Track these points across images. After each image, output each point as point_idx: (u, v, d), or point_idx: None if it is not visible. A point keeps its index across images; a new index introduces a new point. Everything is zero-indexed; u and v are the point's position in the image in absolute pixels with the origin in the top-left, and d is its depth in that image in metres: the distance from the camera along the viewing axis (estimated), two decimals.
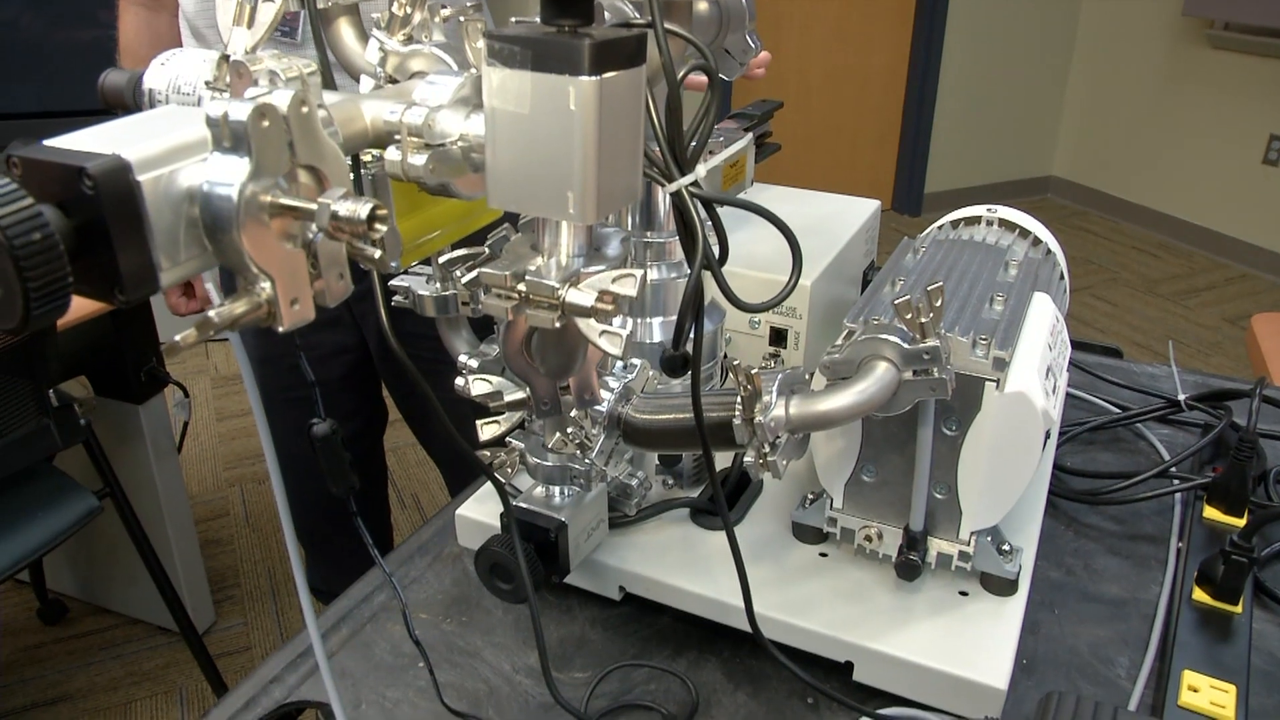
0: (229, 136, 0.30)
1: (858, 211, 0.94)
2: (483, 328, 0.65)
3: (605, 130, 0.35)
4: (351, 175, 0.41)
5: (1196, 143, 4.24)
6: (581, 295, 0.36)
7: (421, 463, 2.56)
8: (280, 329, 0.31)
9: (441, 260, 0.55)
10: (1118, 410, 1.01)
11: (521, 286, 0.37)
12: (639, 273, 0.36)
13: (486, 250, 0.53)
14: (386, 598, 0.74)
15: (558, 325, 0.36)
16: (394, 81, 0.46)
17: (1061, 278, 0.84)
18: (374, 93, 0.41)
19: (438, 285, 0.62)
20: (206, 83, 0.41)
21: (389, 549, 0.80)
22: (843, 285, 0.89)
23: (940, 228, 0.87)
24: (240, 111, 0.29)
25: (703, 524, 0.74)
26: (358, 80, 0.49)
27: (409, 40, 0.45)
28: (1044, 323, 0.69)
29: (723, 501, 0.56)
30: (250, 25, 0.41)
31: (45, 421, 1.48)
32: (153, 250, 0.31)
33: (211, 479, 2.53)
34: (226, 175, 0.30)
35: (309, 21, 0.50)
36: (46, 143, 0.32)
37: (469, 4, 0.53)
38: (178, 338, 0.30)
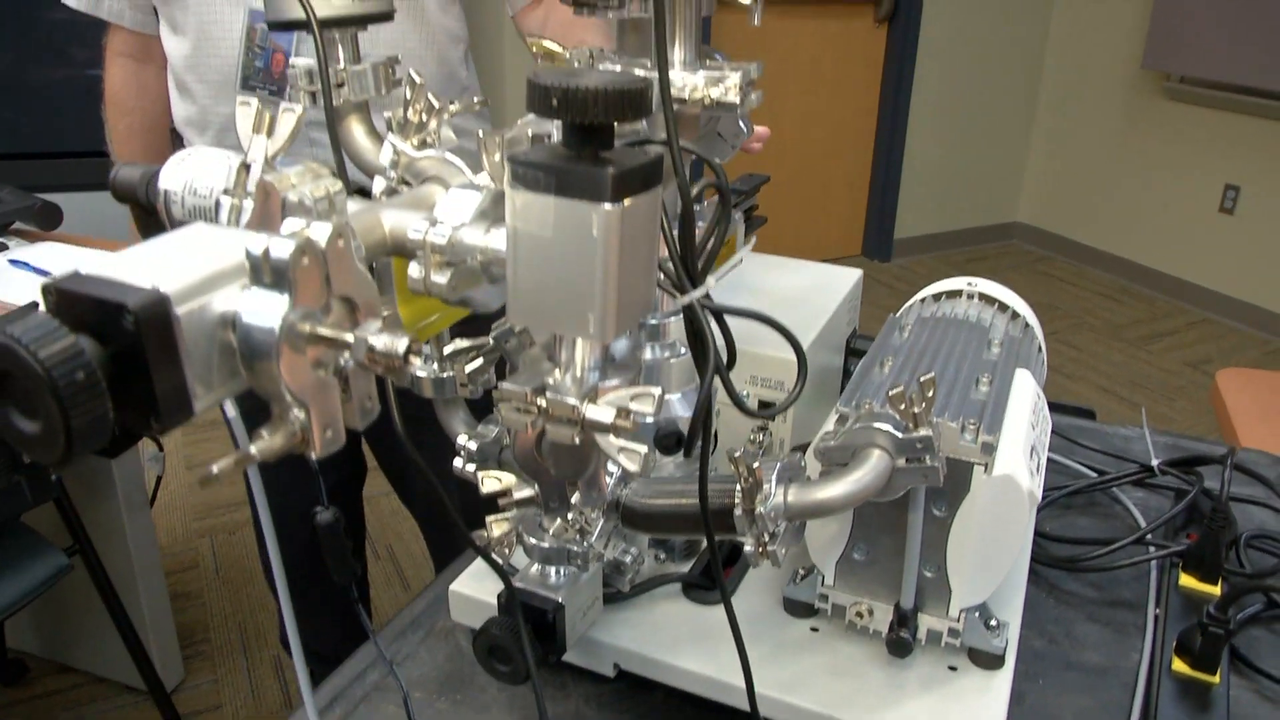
0: (269, 273, 0.30)
1: (841, 282, 0.95)
2: (481, 408, 0.65)
3: (625, 252, 0.36)
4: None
5: (1156, 191, 4.35)
6: (601, 412, 0.37)
7: (395, 512, 2.54)
8: (314, 456, 0.32)
9: (446, 352, 0.56)
10: (1093, 474, 1.03)
11: (541, 402, 0.38)
12: (657, 391, 0.37)
13: (491, 342, 0.54)
14: (380, 675, 0.73)
15: (577, 441, 0.37)
16: (406, 183, 0.47)
17: (1039, 350, 0.87)
18: (392, 202, 0.42)
19: (434, 366, 0.63)
20: (225, 190, 0.42)
21: (367, 604, 0.79)
22: (828, 354, 0.91)
23: (922, 301, 0.89)
24: (282, 249, 0.30)
25: (695, 598, 0.74)
26: (371, 179, 0.50)
27: (422, 145, 0.46)
28: (1027, 401, 0.71)
29: (725, 588, 0.57)
30: (270, 134, 0.42)
31: (16, 478, 1.46)
32: (188, 379, 0.31)
33: (181, 529, 2.49)
34: (267, 310, 0.30)
35: (326, 120, 0.51)
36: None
37: (475, 100, 0.55)
38: (215, 469, 0.30)
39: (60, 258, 1.76)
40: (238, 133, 0.42)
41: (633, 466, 0.37)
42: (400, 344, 0.31)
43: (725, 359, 0.46)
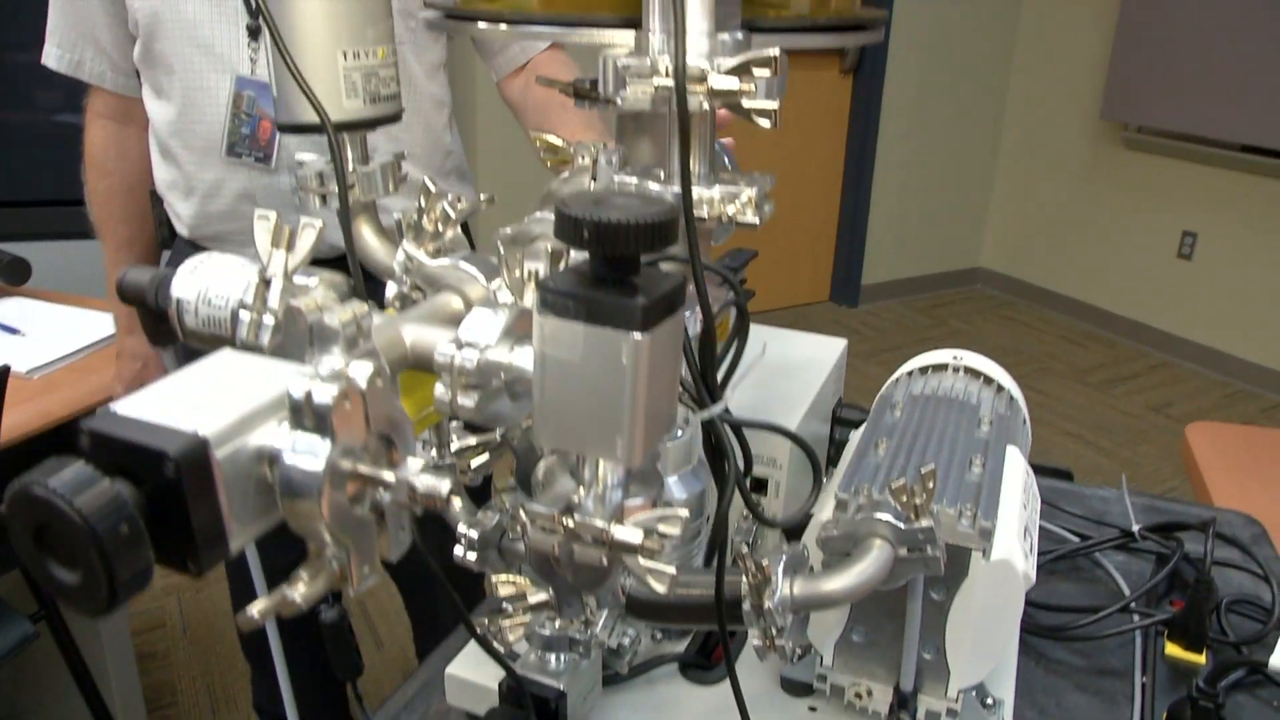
0: (311, 416, 0.30)
1: (828, 353, 0.97)
2: (480, 495, 0.65)
3: (653, 377, 0.36)
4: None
5: (1116, 237, 4.45)
6: (628, 533, 0.37)
7: None
8: (352, 593, 0.32)
9: (454, 449, 0.56)
10: (1075, 539, 1.05)
11: (569, 523, 0.38)
12: (684, 513, 0.37)
13: (499, 438, 0.55)
14: None
15: (605, 562, 0.38)
16: (418, 288, 0.48)
17: (1024, 423, 0.88)
18: (411, 315, 0.43)
19: (433, 453, 0.63)
20: (242, 303, 0.42)
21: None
22: (817, 424, 0.92)
23: (910, 374, 0.90)
24: (324, 395, 0.30)
25: (692, 678, 0.74)
26: (384, 283, 0.50)
27: (437, 253, 0.46)
28: (1018, 481, 0.72)
29: (736, 678, 0.57)
30: (290, 249, 0.42)
31: None
32: (225, 519, 0.31)
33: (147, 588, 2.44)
34: (309, 453, 0.31)
35: (342, 230, 0.52)
36: (116, 409, 0.32)
37: (483, 199, 0.55)
38: (254, 613, 0.30)
39: (31, 315, 1.74)
40: (255, 245, 0.43)
41: (660, 588, 0.37)
42: (444, 485, 0.31)
43: (742, 469, 0.46)
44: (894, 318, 4.67)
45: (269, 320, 0.41)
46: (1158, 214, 4.26)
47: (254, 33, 1.15)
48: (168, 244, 1.42)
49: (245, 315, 0.41)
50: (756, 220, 0.48)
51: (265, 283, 0.41)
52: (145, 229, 1.43)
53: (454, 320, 0.43)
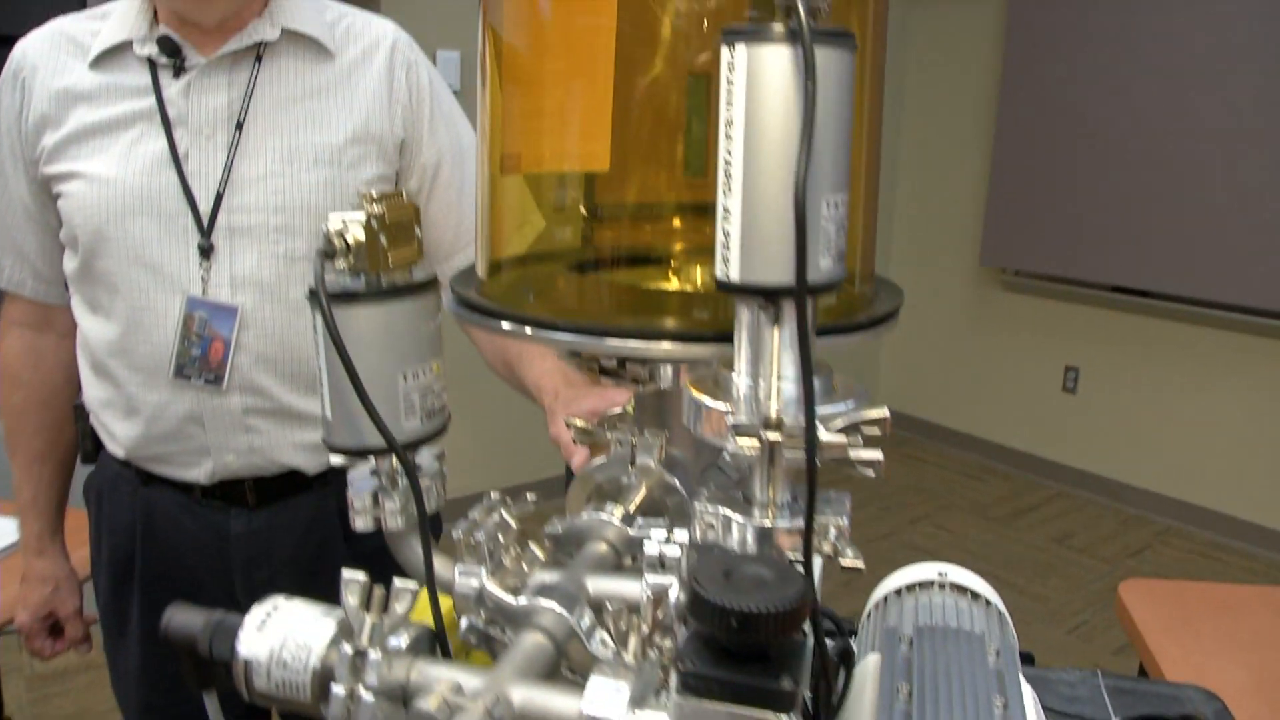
0: None
1: None
2: None
3: None
4: None
5: (1004, 374, 4.67)
6: None
7: None
8: None
9: None
10: None
11: None
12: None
13: None
14: None
15: None
16: (493, 623, 0.46)
17: (1012, 634, 0.89)
18: (510, 669, 0.41)
19: None
20: (332, 676, 0.40)
21: None
22: None
23: (898, 593, 0.91)
24: None
25: None
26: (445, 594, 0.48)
27: (515, 590, 0.45)
28: (1035, 717, 0.73)
29: None
30: (385, 612, 0.40)
31: None
32: None
33: None
34: None
35: (426, 577, 0.50)
36: None
37: (530, 499, 0.54)
38: None
39: None
40: (343, 607, 0.41)
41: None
42: None
43: None
44: None
45: (364, 693, 0.38)
46: (1041, 351, 4.51)
47: (205, 252, 1.13)
48: (90, 458, 1.34)
49: (339, 691, 0.38)
50: (861, 564, 0.49)
51: (360, 655, 0.39)
52: (61, 440, 1.36)
53: (550, 666, 0.41)
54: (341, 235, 0.46)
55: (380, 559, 0.52)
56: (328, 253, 0.46)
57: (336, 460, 0.53)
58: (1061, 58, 4.11)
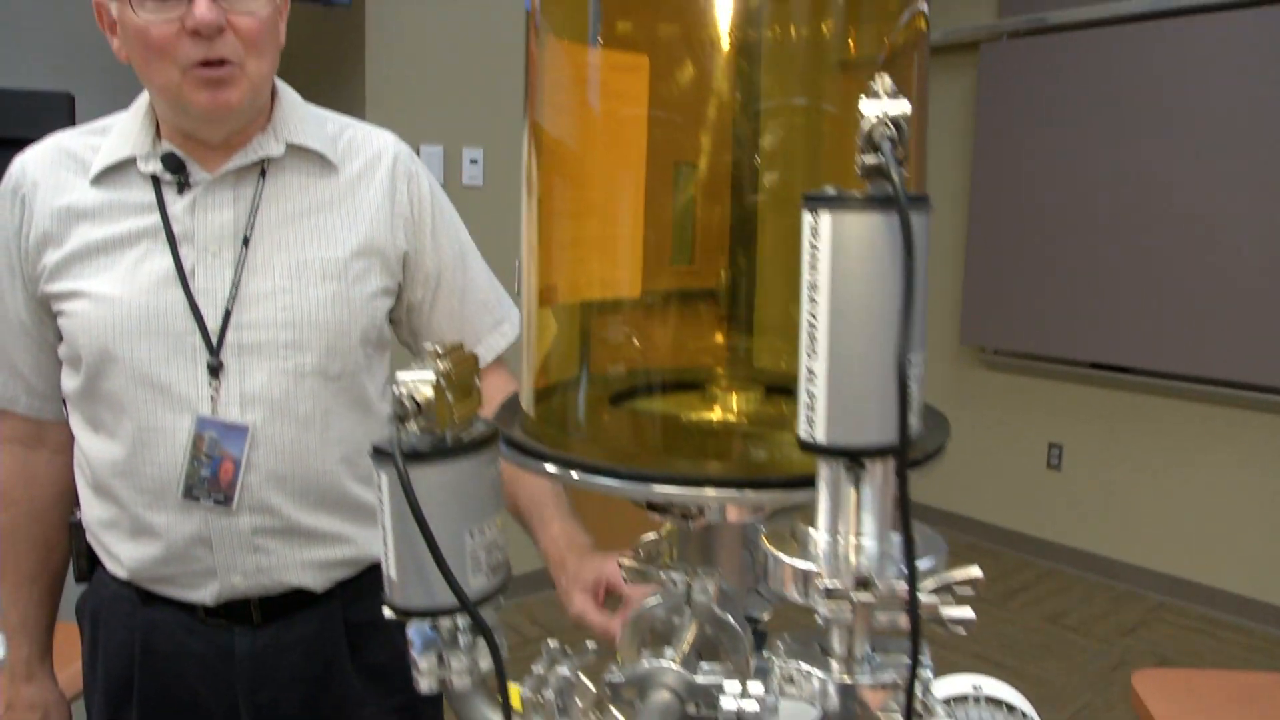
0: None
1: None
2: None
3: None
4: None
5: (988, 452, 4.69)
6: None
7: None
8: None
9: None
10: None
11: None
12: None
13: None
14: None
15: None
16: None
17: None
18: None
19: None
20: None
21: None
22: None
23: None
24: None
25: None
26: None
27: None
28: None
29: None
30: None
31: None
32: None
33: None
34: None
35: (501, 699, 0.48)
36: None
37: (607, 684, 0.53)
38: None
39: None
40: None
41: None
42: None
43: None
44: None
45: None
46: (1024, 428, 4.54)
47: (214, 370, 1.12)
48: (84, 577, 1.30)
49: None
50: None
51: None
52: (52, 559, 1.31)
53: None
54: (412, 398, 0.45)
55: (388, 677, 0.50)
56: (400, 415, 0.45)
57: (389, 614, 0.51)
58: (1034, 135, 4.23)
